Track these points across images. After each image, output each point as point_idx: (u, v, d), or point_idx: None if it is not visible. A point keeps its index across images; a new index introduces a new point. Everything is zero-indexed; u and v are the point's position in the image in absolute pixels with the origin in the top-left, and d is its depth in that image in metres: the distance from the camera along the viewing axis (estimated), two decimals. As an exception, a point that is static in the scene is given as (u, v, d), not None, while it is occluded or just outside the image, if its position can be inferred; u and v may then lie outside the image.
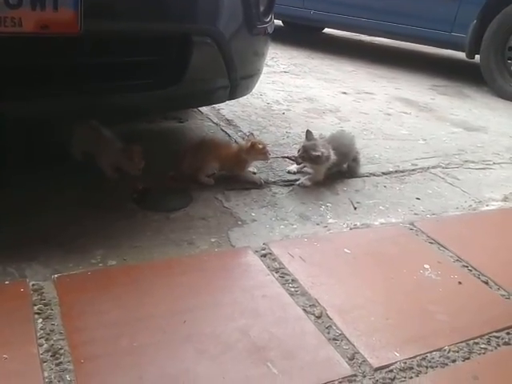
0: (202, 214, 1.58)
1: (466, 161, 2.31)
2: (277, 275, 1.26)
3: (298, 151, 1.86)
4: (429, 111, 3.14)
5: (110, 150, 1.69)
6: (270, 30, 1.91)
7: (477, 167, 2.26)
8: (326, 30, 6.02)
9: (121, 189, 1.67)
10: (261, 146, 1.79)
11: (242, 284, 1.24)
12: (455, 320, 1.18)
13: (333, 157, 1.87)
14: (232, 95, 1.81)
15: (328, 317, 1.14)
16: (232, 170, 1.83)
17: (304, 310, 1.15)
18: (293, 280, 1.25)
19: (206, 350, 1.00)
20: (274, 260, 1.32)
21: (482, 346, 1.12)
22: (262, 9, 1.79)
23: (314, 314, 1.14)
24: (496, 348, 1.12)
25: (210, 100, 1.85)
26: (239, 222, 1.56)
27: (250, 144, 1.78)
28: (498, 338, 1.15)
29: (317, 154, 1.80)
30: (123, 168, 1.67)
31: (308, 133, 1.90)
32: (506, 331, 1.17)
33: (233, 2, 1.64)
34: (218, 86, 1.73)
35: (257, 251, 1.36)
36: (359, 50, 5.28)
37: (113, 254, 1.31)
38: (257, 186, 1.81)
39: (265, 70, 3.85)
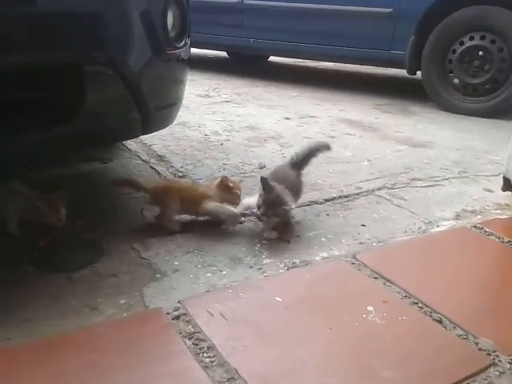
0: (114, 270, 1.35)
1: (413, 179, 2.17)
2: (190, 342, 1.03)
3: (259, 208, 1.53)
4: (373, 131, 3.03)
5: (19, 200, 1.46)
6: (185, 55, 1.73)
7: (424, 185, 2.12)
8: (271, 59, 5.97)
9: (18, 247, 1.43)
10: (231, 184, 1.60)
11: (145, 360, 0.99)
12: (404, 375, 0.98)
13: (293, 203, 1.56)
14: (146, 129, 1.61)
15: (250, 391, 0.92)
16: (190, 212, 1.63)
17: (220, 385, 0.93)
18: (209, 347, 1.02)
19: None
20: (189, 322, 1.09)
21: (439, 405, 0.92)
22: (173, 34, 1.62)
23: (232, 390, 0.92)
24: (456, 407, 0.93)
25: (119, 136, 1.64)
26: (158, 275, 1.34)
27: (218, 181, 1.61)
28: (457, 392, 0.96)
29: (287, 208, 1.51)
30: (41, 220, 1.44)
31: (263, 181, 1.52)
32: (466, 382, 0.98)
33: (135, 27, 1.46)
34: (127, 120, 1.53)
35: (168, 313, 1.13)
36: (304, 75, 5.23)
37: (-7, 333, 1.06)
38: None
39: (205, 100, 3.75)
